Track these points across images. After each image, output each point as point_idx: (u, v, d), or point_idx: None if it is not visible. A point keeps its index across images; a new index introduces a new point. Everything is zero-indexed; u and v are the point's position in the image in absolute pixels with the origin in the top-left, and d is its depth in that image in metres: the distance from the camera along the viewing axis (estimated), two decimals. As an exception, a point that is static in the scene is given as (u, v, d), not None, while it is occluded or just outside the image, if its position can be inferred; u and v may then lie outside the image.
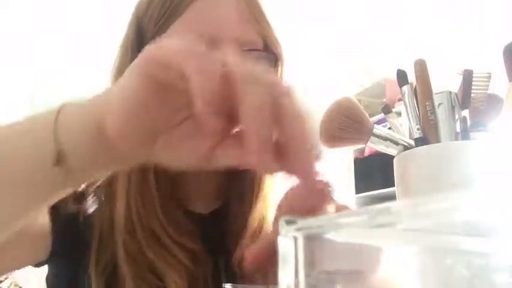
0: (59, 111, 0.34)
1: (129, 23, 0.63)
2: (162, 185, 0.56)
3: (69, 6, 2.47)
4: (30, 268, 0.58)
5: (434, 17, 2.52)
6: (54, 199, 0.37)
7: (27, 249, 0.53)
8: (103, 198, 0.57)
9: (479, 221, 0.15)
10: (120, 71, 0.60)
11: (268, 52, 0.57)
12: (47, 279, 0.60)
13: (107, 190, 0.56)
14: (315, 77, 3.30)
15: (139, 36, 0.59)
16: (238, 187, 0.60)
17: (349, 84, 3.38)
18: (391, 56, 2.92)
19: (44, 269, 0.62)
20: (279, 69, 0.59)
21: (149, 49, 0.31)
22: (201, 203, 0.62)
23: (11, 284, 2.67)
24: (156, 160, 0.34)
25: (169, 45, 0.30)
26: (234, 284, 0.38)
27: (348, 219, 0.14)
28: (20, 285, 2.79)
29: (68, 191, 0.37)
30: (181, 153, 0.33)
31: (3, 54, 2.96)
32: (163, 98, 0.31)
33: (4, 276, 2.38)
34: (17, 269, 0.56)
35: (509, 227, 0.15)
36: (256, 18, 0.57)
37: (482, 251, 0.15)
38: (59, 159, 0.33)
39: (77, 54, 2.94)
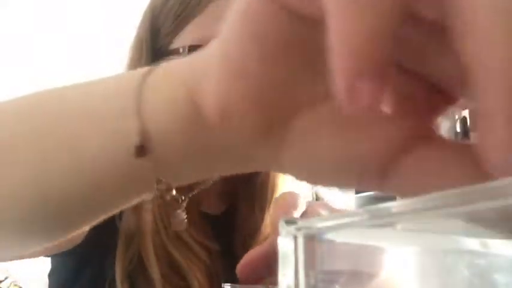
0: (142, 83, 0.23)
1: (140, 23, 0.63)
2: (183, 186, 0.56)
3: (69, 6, 2.47)
4: (30, 268, 0.58)
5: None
6: (146, 195, 0.26)
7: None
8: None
9: (479, 221, 0.15)
10: (134, 64, 0.59)
11: None
12: (53, 275, 0.60)
13: None
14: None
15: (154, 35, 0.59)
16: (248, 190, 0.60)
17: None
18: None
19: (45, 269, 0.62)
20: None
21: None
22: (214, 204, 0.63)
23: (11, 284, 2.67)
24: (292, 170, 0.21)
25: None
26: (234, 284, 0.38)
27: (348, 219, 0.14)
28: (20, 285, 2.79)
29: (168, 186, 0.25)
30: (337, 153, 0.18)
31: (3, 54, 2.96)
32: (292, 45, 0.18)
33: (4, 276, 2.38)
34: (41, 255, 0.54)
35: (509, 227, 0.15)
36: None
37: (482, 251, 0.15)
38: (142, 148, 0.22)
39: (77, 54, 2.94)
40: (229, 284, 0.38)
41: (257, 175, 0.58)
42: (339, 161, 0.18)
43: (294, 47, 0.18)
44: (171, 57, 0.57)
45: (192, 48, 0.54)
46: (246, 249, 0.59)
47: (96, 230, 0.53)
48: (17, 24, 2.66)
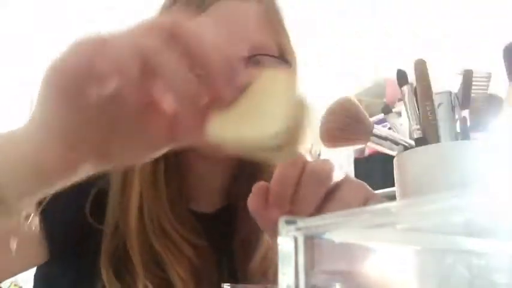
0: None
1: None
2: (172, 183, 0.58)
3: (69, 6, 2.47)
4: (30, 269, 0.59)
5: (435, 16, 2.52)
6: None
7: (28, 251, 0.54)
8: (117, 193, 0.58)
9: (479, 221, 0.15)
10: None
11: (281, 59, 0.58)
12: (40, 278, 0.61)
13: (120, 186, 0.58)
14: (315, 77, 3.30)
15: None
16: (246, 189, 0.60)
17: (349, 84, 3.38)
18: (391, 56, 2.91)
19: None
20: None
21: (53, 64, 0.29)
22: (205, 202, 0.63)
23: (11, 284, 2.67)
24: (120, 162, 0.34)
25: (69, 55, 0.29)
26: (234, 284, 0.38)
27: (348, 219, 0.14)
28: (20, 285, 2.79)
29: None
30: (139, 146, 0.33)
31: (3, 54, 2.96)
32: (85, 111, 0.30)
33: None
34: (23, 270, 0.56)
35: (509, 227, 0.15)
36: (274, 25, 0.59)
37: (482, 251, 0.15)
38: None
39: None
40: (229, 284, 0.39)
41: (255, 174, 0.58)
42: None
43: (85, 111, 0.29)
44: None
45: None
46: (245, 249, 0.60)
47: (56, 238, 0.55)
48: (17, 24, 2.66)
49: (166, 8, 0.61)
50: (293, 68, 0.61)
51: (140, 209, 0.57)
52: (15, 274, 0.55)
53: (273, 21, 0.59)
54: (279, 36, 0.59)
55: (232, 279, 0.58)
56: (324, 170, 0.40)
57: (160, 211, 0.57)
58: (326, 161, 0.41)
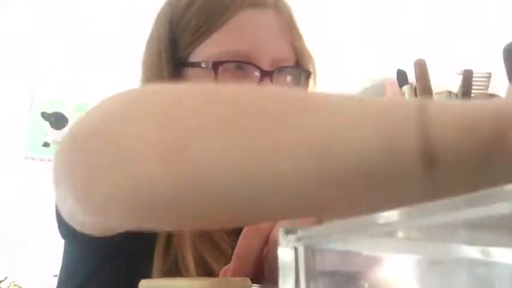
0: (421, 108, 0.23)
1: (158, 25, 0.64)
2: None
3: (70, 6, 2.46)
4: (30, 269, 0.58)
5: (435, 16, 2.52)
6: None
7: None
8: None
9: (480, 222, 0.14)
10: (152, 73, 0.60)
11: (301, 68, 0.60)
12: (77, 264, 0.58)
13: None
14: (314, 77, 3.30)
15: (173, 42, 0.61)
16: None
17: (349, 84, 3.38)
18: (391, 56, 2.91)
19: (44, 269, 0.61)
20: (311, 82, 0.63)
21: None
22: None
23: (11, 284, 2.67)
24: None
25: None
26: (263, 285, 0.38)
27: (349, 228, 0.14)
28: (20, 285, 2.79)
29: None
30: None
31: (3, 55, 2.96)
32: None
33: (4, 276, 2.38)
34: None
35: (509, 227, 0.15)
36: (291, 31, 0.61)
37: (482, 259, 0.15)
38: (431, 160, 0.21)
39: (77, 54, 2.94)
40: (257, 285, 0.38)
41: None
42: None
43: None
44: (191, 69, 0.59)
45: (215, 65, 0.56)
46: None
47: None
48: (17, 24, 2.66)
49: (175, 19, 0.60)
50: (313, 75, 0.64)
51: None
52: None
53: (289, 27, 0.61)
54: (296, 42, 0.61)
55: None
56: None
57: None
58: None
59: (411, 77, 0.52)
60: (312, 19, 2.58)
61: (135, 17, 2.33)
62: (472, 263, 0.14)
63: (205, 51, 0.59)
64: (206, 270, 0.55)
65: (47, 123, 3.55)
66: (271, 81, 0.57)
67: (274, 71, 0.58)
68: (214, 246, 0.56)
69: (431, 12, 2.48)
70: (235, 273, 0.37)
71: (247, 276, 0.35)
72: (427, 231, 0.14)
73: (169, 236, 0.55)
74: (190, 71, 0.60)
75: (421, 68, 0.50)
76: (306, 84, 0.62)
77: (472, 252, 0.14)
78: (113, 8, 2.42)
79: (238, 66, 0.58)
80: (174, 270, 0.54)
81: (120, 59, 2.69)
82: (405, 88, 0.51)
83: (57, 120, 3.56)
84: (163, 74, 0.60)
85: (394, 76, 0.53)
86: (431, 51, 2.79)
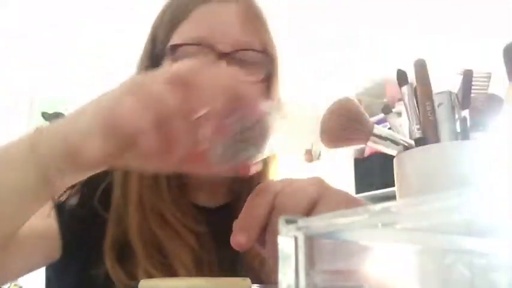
0: (32, 141, 0.40)
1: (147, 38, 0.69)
2: (172, 176, 0.61)
3: (70, 6, 2.47)
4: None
5: (435, 16, 2.52)
6: (40, 207, 0.44)
7: (38, 249, 0.57)
8: (119, 184, 0.62)
9: (479, 221, 0.15)
10: (139, 70, 0.65)
11: (264, 53, 0.61)
12: (51, 278, 0.62)
13: (122, 179, 0.61)
14: (315, 77, 3.30)
15: (153, 45, 0.65)
16: (246, 188, 0.61)
17: (349, 84, 3.38)
18: (391, 56, 2.91)
19: (43, 270, 0.62)
20: (275, 70, 0.63)
21: (105, 109, 0.36)
22: (207, 196, 0.65)
23: (11, 283, 2.67)
24: (128, 166, 0.40)
25: (121, 111, 0.35)
26: (263, 285, 0.38)
27: (348, 219, 0.14)
28: (20, 285, 2.79)
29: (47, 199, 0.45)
30: (144, 162, 0.39)
31: (3, 55, 2.96)
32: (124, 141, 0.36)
33: (4, 276, 2.37)
34: (31, 270, 0.58)
35: (509, 227, 0.15)
36: (254, 23, 0.62)
37: (482, 250, 0.15)
38: (45, 181, 0.39)
39: (77, 54, 2.94)
40: (258, 285, 0.39)
41: (256, 177, 0.60)
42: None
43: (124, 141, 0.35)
44: (165, 61, 0.63)
45: (173, 48, 0.60)
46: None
47: (67, 230, 0.58)
48: (17, 24, 2.66)
49: (156, 21, 0.65)
50: (275, 61, 0.63)
51: (140, 199, 0.59)
52: (32, 271, 0.57)
53: (253, 19, 0.62)
54: (260, 33, 0.62)
55: (233, 268, 0.60)
56: (296, 205, 0.36)
57: (160, 201, 0.60)
58: (298, 191, 0.38)
59: (411, 77, 0.53)
60: (312, 19, 2.58)
61: (136, 17, 2.33)
62: (472, 254, 0.14)
63: (173, 41, 0.62)
64: (158, 248, 0.57)
65: (47, 123, 3.55)
66: (229, 63, 0.58)
67: (232, 53, 0.58)
68: (167, 225, 0.59)
69: (431, 12, 2.48)
70: (241, 243, 0.37)
71: (252, 244, 0.36)
72: (424, 221, 0.14)
73: (118, 215, 0.59)
74: (164, 63, 0.62)
75: (421, 68, 0.50)
76: (268, 74, 0.62)
77: (472, 243, 0.14)
78: (113, 8, 2.42)
79: (196, 49, 0.59)
80: (125, 247, 0.57)
81: (120, 60, 2.69)
82: (405, 88, 0.51)
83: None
84: (148, 69, 0.64)
85: (394, 76, 0.53)
86: (431, 51, 2.79)
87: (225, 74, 0.36)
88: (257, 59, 0.61)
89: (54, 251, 0.58)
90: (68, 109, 3.52)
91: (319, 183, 0.38)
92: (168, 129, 0.34)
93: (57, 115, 3.56)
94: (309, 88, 3.46)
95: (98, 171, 0.42)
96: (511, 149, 0.42)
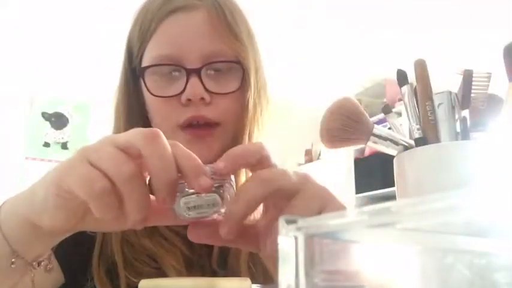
0: None
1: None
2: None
3: (70, 6, 2.47)
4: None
5: (435, 16, 2.52)
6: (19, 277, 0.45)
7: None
8: None
9: (479, 221, 0.15)
10: (119, 98, 0.66)
11: (235, 62, 0.58)
12: None
13: None
14: (314, 77, 3.30)
15: (129, 58, 0.65)
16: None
17: (349, 84, 3.38)
18: (391, 56, 2.92)
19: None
20: (250, 78, 0.60)
21: (57, 177, 0.37)
22: None
23: (11, 284, 2.66)
24: (87, 229, 0.43)
25: (68, 177, 0.37)
26: (263, 285, 0.38)
27: (348, 219, 0.14)
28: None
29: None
30: (105, 225, 0.41)
31: (3, 55, 2.96)
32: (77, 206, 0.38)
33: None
34: None
35: (509, 227, 0.15)
36: (224, 29, 0.59)
37: (482, 250, 0.15)
38: (16, 256, 0.42)
39: (77, 54, 2.94)
40: (258, 285, 0.39)
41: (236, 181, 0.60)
42: None
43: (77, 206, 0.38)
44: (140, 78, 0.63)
45: (142, 70, 0.60)
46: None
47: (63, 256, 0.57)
48: (17, 24, 2.66)
49: (130, 34, 0.65)
50: (247, 70, 0.61)
51: None
52: None
53: (222, 26, 0.59)
54: (230, 41, 0.59)
55: (224, 268, 0.60)
56: (271, 175, 0.38)
57: None
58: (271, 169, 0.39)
59: (411, 77, 0.52)
60: (312, 19, 2.58)
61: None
62: (472, 254, 0.14)
63: (145, 59, 0.62)
64: (148, 255, 0.58)
65: (47, 123, 3.55)
66: (199, 78, 0.57)
67: (202, 67, 0.57)
68: (154, 232, 0.59)
69: (431, 12, 2.48)
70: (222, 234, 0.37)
71: (232, 237, 0.37)
72: (424, 221, 0.14)
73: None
74: (140, 80, 0.62)
75: (421, 68, 0.50)
76: (243, 80, 0.61)
77: (472, 243, 0.14)
78: (113, 8, 2.42)
79: (167, 69, 0.59)
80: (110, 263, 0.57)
81: (120, 60, 2.68)
82: (405, 88, 0.51)
83: (57, 120, 3.56)
84: (128, 83, 0.65)
85: (394, 76, 0.53)
86: (431, 51, 2.79)
87: (175, 150, 0.37)
88: (230, 68, 0.59)
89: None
90: (68, 109, 3.53)
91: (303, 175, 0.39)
92: (121, 192, 0.35)
93: (57, 115, 3.54)
94: (309, 88, 3.46)
95: (67, 236, 0.43)
96: (511, 149, 0.42)
